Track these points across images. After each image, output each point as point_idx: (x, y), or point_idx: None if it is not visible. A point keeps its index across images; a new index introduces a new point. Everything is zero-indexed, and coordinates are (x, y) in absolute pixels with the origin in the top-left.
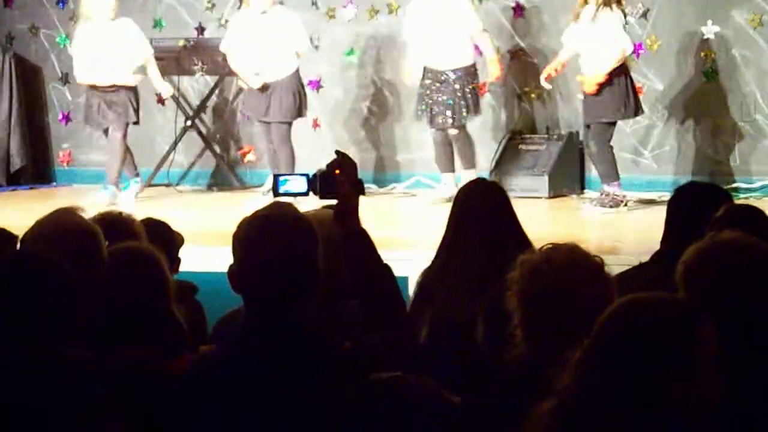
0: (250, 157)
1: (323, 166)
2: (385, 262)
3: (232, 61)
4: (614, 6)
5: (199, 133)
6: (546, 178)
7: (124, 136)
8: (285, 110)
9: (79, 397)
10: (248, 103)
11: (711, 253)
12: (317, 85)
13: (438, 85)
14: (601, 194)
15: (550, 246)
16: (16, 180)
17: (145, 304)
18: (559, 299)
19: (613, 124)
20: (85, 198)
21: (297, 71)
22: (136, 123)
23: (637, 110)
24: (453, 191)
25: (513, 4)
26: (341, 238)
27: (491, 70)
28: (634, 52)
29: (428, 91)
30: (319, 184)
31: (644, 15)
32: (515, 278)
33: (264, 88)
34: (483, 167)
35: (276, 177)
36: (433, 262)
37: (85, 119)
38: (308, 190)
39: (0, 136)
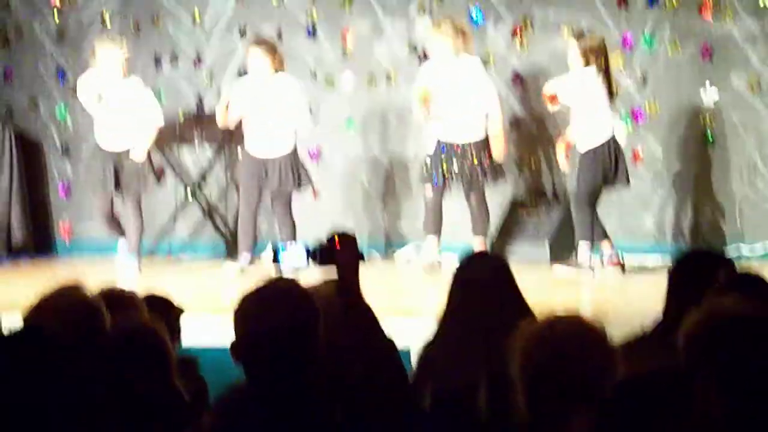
0: None
1: (323, 236)
2: (387, 334)
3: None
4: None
5: (200, 203)
6: (547, 244)
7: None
8: (285, 182)
9: None
10: (242, 174)
11: (710, 320)
12: (317, 155)
13: (453, 159)
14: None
15: (551, 315)
16: (16, 252)
17: (147, 378)
18: (561, 367)
19: (598, 189)
20: (88, 270)
21: (296, 148)
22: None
23: (620, 177)
24: (435, 257)
25: (512, 74)
26: (343, 312)
27: (496, 146)
28: (633, 117)
29: (442, 162)
30: (319, 256)
31: (643, 80)
32: (517, 345)
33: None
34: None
35: (276, 249)
36: (435, 333)
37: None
38: (307, 262)
39: (0, 209)
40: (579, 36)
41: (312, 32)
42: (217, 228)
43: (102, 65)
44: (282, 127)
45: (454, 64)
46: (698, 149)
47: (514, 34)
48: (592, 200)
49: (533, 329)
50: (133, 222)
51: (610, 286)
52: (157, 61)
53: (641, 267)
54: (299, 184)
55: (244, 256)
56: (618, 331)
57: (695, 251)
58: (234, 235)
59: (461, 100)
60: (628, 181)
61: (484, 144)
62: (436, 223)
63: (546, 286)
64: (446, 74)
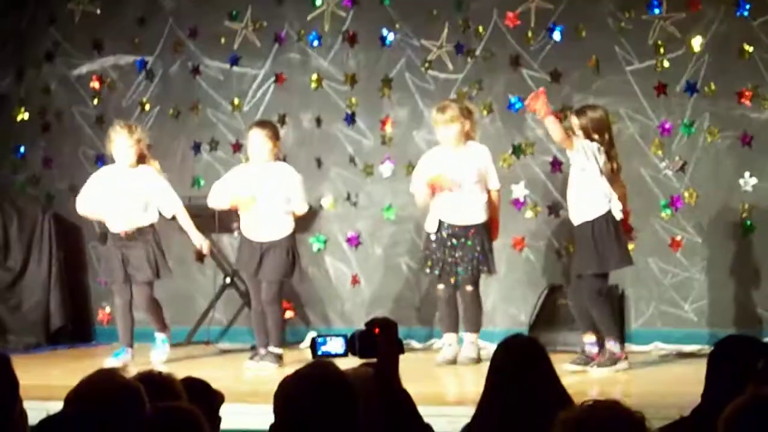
0: (288, 314)
1: (362, 325)
2: (426, 421)
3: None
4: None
5: (238, 290)
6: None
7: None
8: (277, 269)
9: None
10: (240, 259)
11: (751, 409)
12: (356, 241)
13: (454, 240)
14: (598, 353)
15: (590, 402)
16: (55, 339)
17: None
18: None
19: (605, 275)
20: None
21: (293, 233)
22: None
23: (624, 260)
24: (455, 352)
25: (551, 159)
26: (382, 398)
27: (495, 230)
28: (672, 204)
29: (441, 246)
30: (359, 344)
31: (682, 168)
32: None
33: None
34: (522, 322)
35: (314, 339)
36: (473, 419)
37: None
38: (346, 351)
39: (39, 296)
40: (579, 112)
41: (351, 119)
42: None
43: (115, 152)
44: (278, 209)
45: (458, 151)
46: (737, 236)
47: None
48: (603, 290)
49: (572, 416)
50: (145, 312)
51: (649, 373)
52: (197, 147)
53: (680, 354)
54: (292, 270)
55: (260, 352)
56: (657, 418)
57: (734, 338)
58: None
59: (465, 185)
60: (631, 262)
61: (484, 229)
62: (452, 322)
63: (583, 373)
64: (451, 161)
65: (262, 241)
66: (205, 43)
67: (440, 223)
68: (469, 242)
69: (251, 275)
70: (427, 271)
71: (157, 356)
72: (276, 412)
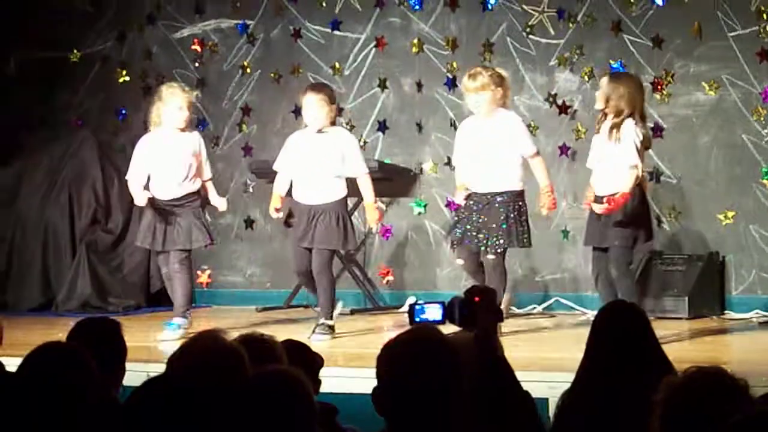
0: (389, 277)
1: (460, 290)
2: (524, 388)
3: (278, 180)
4: (630, 121)
5: (338, 253)
6: (686, 299)
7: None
8: (327, 238)
9: None
10: (295, 227)
11: None
12: (456, 206)
13: (480, 207)
14: None
15: (694, 368)
16: (156, 301)
17: (289, 427)
18: (704, 422)
19: (632, 247)
20: (226, 319)
21: (345, 198)
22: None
23: (650, 236)
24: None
25: (651, 124)
26: (481, 364)
27: (541, 201)
28: None
29: (467, 213)
30: (458, 312)
31: None
32: (659, 401)
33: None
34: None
35: (412, 306)
36: (572, 385)
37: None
38: (444, 319)
39: (140, 258)
40: (612, 77)
41: (452, 84)
42: (355, 277)
43: (166, 110)
44: (330, 172)
45: (490, 119)
46: None
47: (654, 86)
48: (630, 262)
49: (676, 382)
50: (179, 281)
51: (748, 340)
52: (297, 111)
53: None
54: (344, 240)
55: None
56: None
57: None
58: (370, 285)
59: (495, 154)
60: (653, 237)
61: (517, 197)
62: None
63: (684, 340)
64: (482, 129)
65: (312, 204)
66: (306, 6)
67: (470, 193)
68: (500, 209)
69: (297, 239)
70: (446, 244)
71: (166, 335)
72: (379, 375)
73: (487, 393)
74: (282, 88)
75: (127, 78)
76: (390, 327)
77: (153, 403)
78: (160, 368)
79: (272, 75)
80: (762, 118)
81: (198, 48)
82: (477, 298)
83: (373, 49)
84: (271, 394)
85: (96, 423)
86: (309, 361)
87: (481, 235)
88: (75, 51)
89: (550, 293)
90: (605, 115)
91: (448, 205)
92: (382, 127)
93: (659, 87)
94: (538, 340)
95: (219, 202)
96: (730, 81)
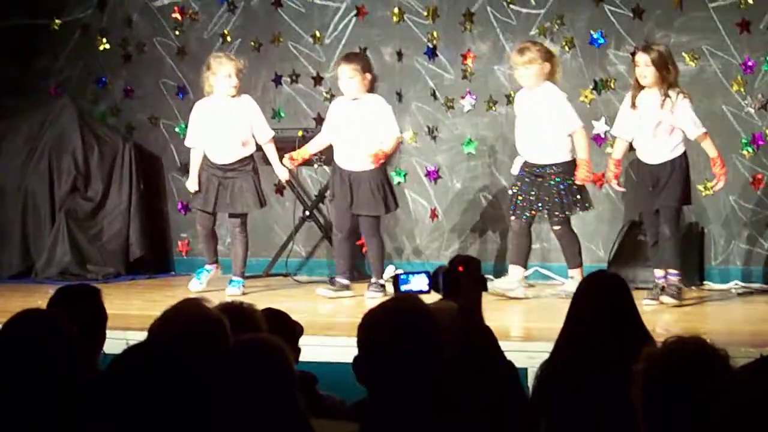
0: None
1: (440, 259)
2: (507, 359)
3: (312, 143)
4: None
5: (317, 222)
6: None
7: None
8: (369, 204)
9: None
10: (332, 191)
11: None
12: (435, 175)
13: (533, 178)
14: (666, 285)
15: (675, 338)
16: (134, 269)
17: (272, 395)
18: (685, 392)
19: (681, 209)
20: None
21: (384, 166)
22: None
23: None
24: (515, 286)
25: None
26: (465, 334)
27: (578, 172)
28: (753, 142)
29: (522, 184)
30: (442, 282)
31: (764, 106)
32: (640, 371)
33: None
34: (601, 258)
35: (397, 276)
36: (552, 355)
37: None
38: (429, 289)
39: (120, 226)
40: (646, 49)
41: (432, 53)
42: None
43: (216, 83)
44: (368, 140)
45: (536, 91)
46: None
47: (634, 56)
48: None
49: (656, 352)
50: (239, 244)
51: (727, 310)
52: (278, 80)
53: (759, 291)
54: (386, 204)
55: (340, 280)
56: (736, 357)
57: None
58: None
59: (542, 124)
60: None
61: (568, 168)
62: (518, 254)
63: (664, 311)
64: (529, 101)
65: (351, 170)
66: None
67: (525, 163)
68: (551, 181)
69: (340, 207)
70: (510, 210)
71: (231, 291)
72: (360, 344)
73: (470, 362)
74: (262, 57)
75: (107, 46)
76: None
77: (134, 370)
78: (139, 336)
79: (252, 44)
80: (742, 89)
81: (178, 16)
82: (461, 268)
83: (354, 18)
84: (251, 362)
85: (77, 390)
86: (289, 330)
87: (539, 206)
88: (55, 19)
89: (529, 263)
90: (640, 87)
91: (428, 174)
92: None
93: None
94: (518, 310)
95: (280, 171)
96: (711, 52)
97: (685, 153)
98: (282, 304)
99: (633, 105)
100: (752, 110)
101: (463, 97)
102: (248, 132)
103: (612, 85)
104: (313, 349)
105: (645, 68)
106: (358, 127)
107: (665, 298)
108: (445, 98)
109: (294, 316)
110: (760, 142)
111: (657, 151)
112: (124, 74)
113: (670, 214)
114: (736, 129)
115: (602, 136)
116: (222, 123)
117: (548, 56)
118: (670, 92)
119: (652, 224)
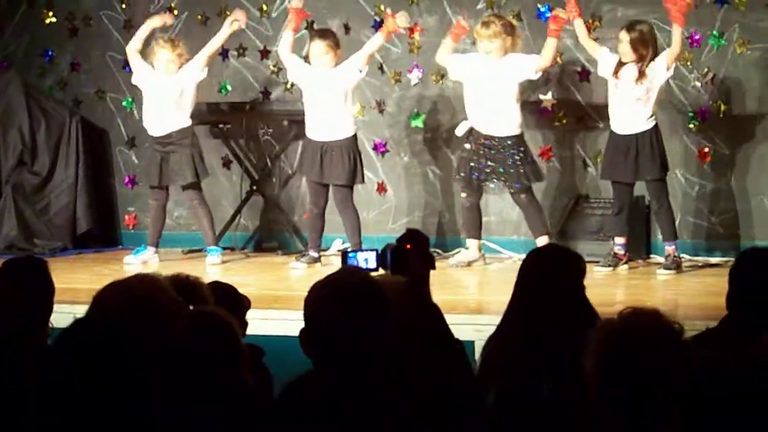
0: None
1: (387, 230)
2: (452, 330)
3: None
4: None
5: (264, 196)
6: (611, 242)
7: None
8: (341, 174)
9: None
10: (303, 163)
11: None
12: (383, 149)
13: (485, 150)
14: (666, 256)
15: (629, 310)
16: (82, 243)
17: (215, 366)
18: (638, 364)
19: (665, 178)
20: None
21: (355, 135)
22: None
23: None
24: (476, 256)
25: (578, 68)
26: (412, 311)
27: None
28: (700, 116)
29: (473, 155)
30: (390, 259)
31: (711, 80)
32: (594, 342)
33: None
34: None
35: (345, 253)
36: (499, 327)
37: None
38: (378, 266)
39: (66, 199)
40: (629, 28)
41: (379, 26)
42: (279, 221)
43: (157, 65)
44: (340, 109)
45: (498, 63)
46: (765, 148)
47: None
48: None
49: (611, 323)
50: (202, 216)
51: (675, 284)
52: (224, 53)
53: (706, 265)
54: (356, 175)
55: (311, 253)
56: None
57: (760, 249)
58: (295, 229)
59: (500, 96)
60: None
61: (519, 140)
62: (474, 228)
63: (611, 285)
64: (489, 71)
65: (324, 140)
66: None
67: (471, 130)
68: (505, 153)
69: (312, 179)
70: (457, 176)
71: (211, 260)
72: (306, 316)
73: (417, 339)
74: (209, 30)
75: (54, 19)
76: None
77: (81, 343)
78: (85, 309)
79: (199, 17)
80: (689, 63)
81: None
82: (409, 245)
83: None
84: (196, 334)
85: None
86: (236, 303)
87: (497, 177)
88: None
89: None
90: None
91: (375, 147)
92: None
93: (587, 31)
94: (467, 283)
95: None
96: (658, 26)
97: (657, 125)
98: (229, 278)
99: (615, 75)
100: (699, 84)
101: (410, 71)
102: (183, 103)
103: (558, 59)
104: (261, 323)
105: (625, 46)
106: (330, 98)
107: (662, 271)
108: (393, 72)
109: (242, 290)
110: (707, 116)
111: (632, 122)
112: (70, 48)
113: (657, 186)
114: (683, 102)
115: (549, 108)
116: (157, 97)
117: (511, 30)
118: (647, 70)
119: (621, 194)
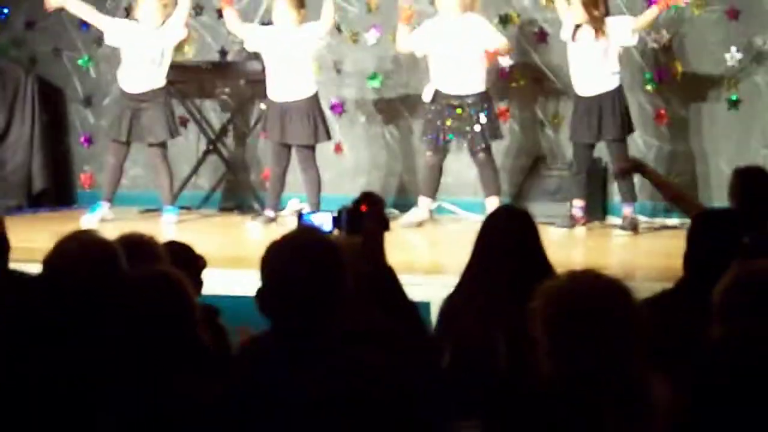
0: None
1: (343, 190)
2: (408, 291)
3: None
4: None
5: (221, 156)
6: (568, 204)
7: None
8: (302, 135)
9: None
10: (267, 124)
11: (747, 281)
12: (340, 109)
13: (450, 110)
14: (623, 217)
15: (568, 273)
16: (37, 202)
17: (169, 326)
18: (582, 322)
19: (626, 140)
20: (108, 220)
21: (316, 94)
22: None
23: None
24: (426, 216)
25: (536, 30)
26: (367, 272)
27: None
28: (657, 77)
29: (437, 116)
30: (345, 221)
31: (669, 41)
32: (537, 306)
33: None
34: (505, 192)
35: (301, 214)
36: (456, 288)
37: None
38: (333, 228)
39: (22, 158)
40: None
41: None
42: (236, 181)
43: (140, 16)
44: (300, 68)
45: (458, 21)
46: (721, 110)
47: None
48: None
49: (554, 286)
50: (163, 173)
51: (632, 245)
52: None
53: (663, 226)
54: (319, 134)
55: (267, 213)
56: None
57: (714, 211)
58: (252, 188)
59: (463, 55)
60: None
61: (484, 98)
62: (431, 187)
63: (567, 246)
64: (450, 30)
65: (285, 100)
66: None
67: (437, 92)
68: (470, 111)
69: (275, 140)
70: (424, 138)
71: (168, 219)
72: (263, 276)
73: (372, 300)
74: None
75: None
76: (273, 229)
77: (32, 303)
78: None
79: None
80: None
81: None
82: (364, 207)
83: None
84: (148, 293)
85: None
86: (191, 263)
87: (461, 137)
88: None
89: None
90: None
91: (333, 107)
92: None
93: None
94: (424, 243)
95: None
96: None
97: (621, 86)
98: (185, 237)
99: (573, 38)
100: (656, 46)
101: (367, 31)
102: (164, 62)
103: (516, 20)
104: (217, 283)
105: (577, 7)
106: (292, 58)
107: (618, 231)
108: (350, 31)
109: (198, 250)
110: (664, 77)
111: (594, 84)
112: (25, 6)
113: (617, 147)
114: (640, 64)
115: (507, 70)
116: (139, 53)
117: None
118: (605, 27)
119: (582, 156)
